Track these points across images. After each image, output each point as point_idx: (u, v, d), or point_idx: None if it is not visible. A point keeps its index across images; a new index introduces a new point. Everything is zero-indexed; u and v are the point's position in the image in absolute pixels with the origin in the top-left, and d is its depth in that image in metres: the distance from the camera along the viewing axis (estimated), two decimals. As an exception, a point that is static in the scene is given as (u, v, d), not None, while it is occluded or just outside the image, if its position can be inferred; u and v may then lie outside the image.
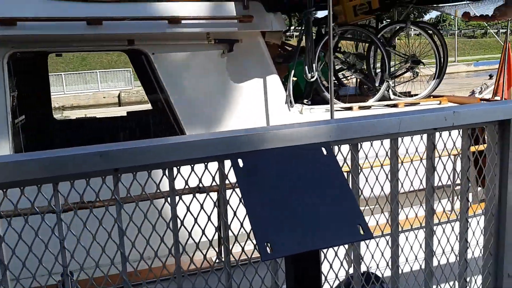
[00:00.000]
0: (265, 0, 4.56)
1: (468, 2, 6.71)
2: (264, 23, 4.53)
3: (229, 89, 4.61)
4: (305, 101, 5.11)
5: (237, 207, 1.40)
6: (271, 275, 1.50)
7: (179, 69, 4.47)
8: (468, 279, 1.82)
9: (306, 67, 4.75)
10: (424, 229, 1.73)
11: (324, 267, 1.54)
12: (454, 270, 1.83)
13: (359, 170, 1.58)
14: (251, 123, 4.61)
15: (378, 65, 5.72)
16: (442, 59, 5.70)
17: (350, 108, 5.04)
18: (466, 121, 1.65)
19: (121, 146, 1.30)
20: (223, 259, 1.47)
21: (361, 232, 1.27)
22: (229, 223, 1.45)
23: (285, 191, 1.29)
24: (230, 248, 1.45)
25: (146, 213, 1.38)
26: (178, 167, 1.38)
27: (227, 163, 1.37)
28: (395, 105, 5.25)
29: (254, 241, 1.21)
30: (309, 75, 4.71)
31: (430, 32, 5.82)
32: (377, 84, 5.37)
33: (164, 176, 1.36)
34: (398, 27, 5.84)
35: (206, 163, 1.39)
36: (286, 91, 4.81)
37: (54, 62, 26.54)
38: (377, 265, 1.69)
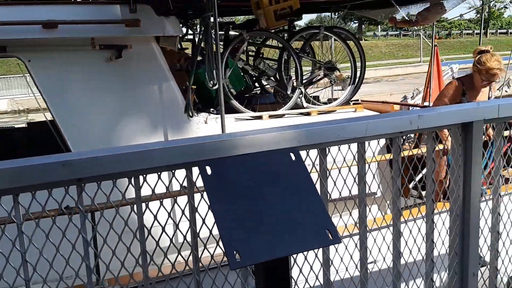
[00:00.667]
0: (155, 3, 4.23)
1: (399, 7, 6.66)
2: (154, 27, 4.20)
3: (120, 99, 4.23)
4: (211, 110, 4.80)
5: (206, 213, 1.39)
6: (241, 281, 1.49)
7: (59, 77, 4.05)
8: (434, 278, 1.86)
9: (207, 74, 4.37)
10: (392, 230, 1.76)
11: (294, 272, 1.54)
12: (421, 270, 1.87)
13: (328, 174, 1.58)
14: (146, 134, 4.25)
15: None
16: (361, 64, 5.57)
17: (260, 117, 4.77)
18: (431, 124, 1.69)
19: (84, 154, 1.26)
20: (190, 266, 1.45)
21: (330, 236, 1.28)
22: (197, 230, 1.43)
23: (253, 198, 1.28)
24: (200, 254, 1.44)
25: (112, 222, 1.35)
26: (145, 176, 1.35)
27: (195, 170, 1.36)
28: (308, 114, 5.04)
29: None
30: (210, 83, 4.36)
31: (353, 37, 5.76)
32: (289, 92, 5.11)
33: (130, 185, 1.33)
34: (311, 32, 5.59)
35: (173, 171, 1.37)
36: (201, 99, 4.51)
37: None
38: (346, 267, 1.71)
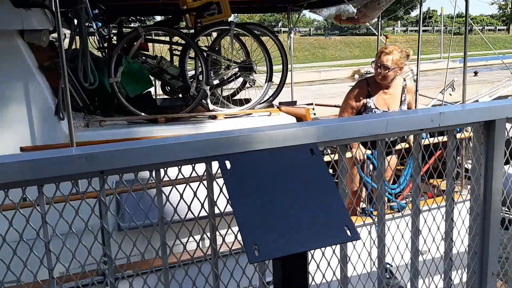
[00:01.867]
0: None
1: (348, 3, 6.27)
2: (12, 20, 3.72)
3: None
4: (97, 112, 4.49)
5: (225, 206, 1.40)
6: (258, 275, 1.50)
7: None
8: (453, 277, 1.85)
9: (81, 74, 3.99)
10: (410, 229, 1.75)
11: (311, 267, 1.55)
12: (440, 268, 1.85)
13: (347, 171, 1.58)
14: (11, 136, 3.82)
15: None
16: (282, 63, 5.12)
17: (155, 121, 4.42)
18: (452, 121, 1.67)
19: (106, 148, 1.28)
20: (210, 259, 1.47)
21: (348, 233, 1.28)
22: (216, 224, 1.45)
23: (272, 193, 1.29)
24: (218, 248, 1.46)
25: (133, 213, 1.37)
26: (165, 169, 1.37)
27: (215, 165, 1.37)
28: (214, 117, 4.60)
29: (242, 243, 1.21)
30: (85, 83, 3.98)
31: (271, 34, 5.21)
32: (191, 93, 4.68)
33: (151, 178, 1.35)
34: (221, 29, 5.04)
35: (193, 165, 1.38)
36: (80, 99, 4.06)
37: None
38: (363, 264, 1.71)
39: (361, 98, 4.04)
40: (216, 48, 5.26)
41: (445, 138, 1.77)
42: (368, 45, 40.19)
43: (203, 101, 4.65)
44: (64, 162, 1.22)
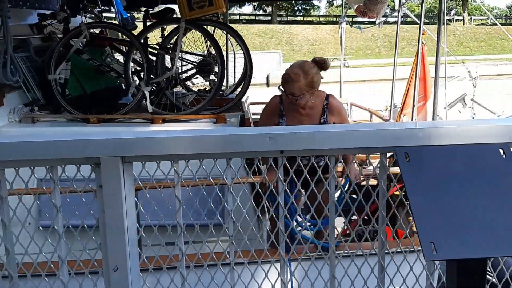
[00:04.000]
0: None
1: None
2: None
3: None
4: (36, 108, 4.32)
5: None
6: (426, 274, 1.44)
7: None
8: None
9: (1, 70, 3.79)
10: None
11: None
12: None
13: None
14: None
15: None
16: (245, 60, 4.51)
17: (87, 120, 4.14)
18: None
19: (287, 130, 1.35)
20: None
21: (540, 246, 1.14)
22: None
23: (453, 192, 1.21)
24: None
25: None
26: (336, 156, 1.39)
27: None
28: (152, 121, 4.17)
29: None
30: (6, 80, 3.79)
31: (228, 29, 4.68)
32: (130, 93, 4.38)
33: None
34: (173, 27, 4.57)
35: (368, 154, 1.38)
36: None
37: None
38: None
39: (273, 118, 3.39)
40: (169, 46, 4.80)
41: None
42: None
43: (144, 102, 4.29)
44: (251, 140, 1.32)
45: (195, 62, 4.66)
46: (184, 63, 4.75)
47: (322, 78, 3.24)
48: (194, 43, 4.96)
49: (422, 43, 5.56)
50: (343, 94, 7.38)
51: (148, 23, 4.67)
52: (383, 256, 1.42)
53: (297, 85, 3.12)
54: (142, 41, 4.53)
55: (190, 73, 4.84)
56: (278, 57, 26.50)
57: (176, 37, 4.53)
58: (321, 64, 3.23)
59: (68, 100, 4.43)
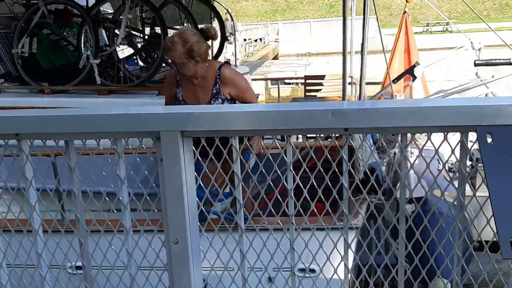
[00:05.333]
0: None
1: None
2: None
3: None
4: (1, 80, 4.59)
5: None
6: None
7: None
8: None
9: None
10: None
11: None
12: None
13: None
14: None
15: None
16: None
17: (42, 91, 4.50)
18: None
19: (353, 105, 1.25)
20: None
21: None
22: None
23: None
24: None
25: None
26: (408, 134, 1.26)
27: (472, 136, 1.19)
28: (99, 92, 4.45)
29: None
30: None
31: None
32: (80, 66, 4.59)
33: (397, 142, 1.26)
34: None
35: (445, 133, 1.23)
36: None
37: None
38: None
39: (172, 88, 3.41)
40: (119, 20, 4.83)
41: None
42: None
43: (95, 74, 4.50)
44: (312, 115, 1.24)
45: (141, 36, 5.04)
46: (135, 37, 5.07)
47: (209, 47, 3.26)
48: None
49: (405, 12, 5.25)
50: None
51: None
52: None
53: (175, 53, 3.09)
54: (97, 15, 4.80)
55: (138, 47, 5.16)
56: (375, 23, 25.06)
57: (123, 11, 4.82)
58: (206, 33, 3.19)
59: (35, 72, 4.86)
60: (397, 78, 4.94)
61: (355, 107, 1.24)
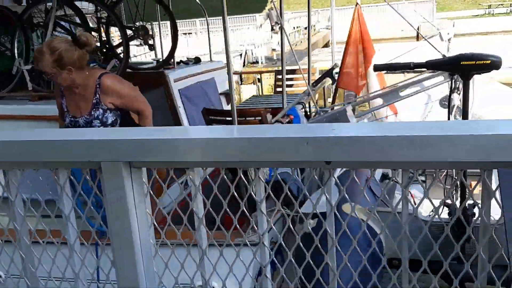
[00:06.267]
0: None
1: None
2: None
3: None
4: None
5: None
6: None
7: None
8: None
9: None
10: None
11: None
12: None
13: None
14: None
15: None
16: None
17: None
18: None
19: (335, 131, 0.97)
20: None
21: None
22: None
23: None
24: None
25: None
26: (414, 170, 0.95)
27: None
28: (30, 98, 4.12)
29: None
30: None
31: None
32: (13, 72, 4.31)
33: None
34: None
35: (461, 171, 0.92)
36: None
37: None
38: None
39: (58, 99, 3.22)
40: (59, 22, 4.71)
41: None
42: None
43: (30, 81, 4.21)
44: (286, 144, 0.99)
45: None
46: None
47: (84, 54, 2.99)
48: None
49: (357, 3, 5.10)
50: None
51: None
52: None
53: (44, 63, 2.94)
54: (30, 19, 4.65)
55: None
56: (431, 6, 23.70)
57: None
58: (77, 41, 2.96)
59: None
60: (316, 82, 4.94)
61: (338, 134, 0.96)
